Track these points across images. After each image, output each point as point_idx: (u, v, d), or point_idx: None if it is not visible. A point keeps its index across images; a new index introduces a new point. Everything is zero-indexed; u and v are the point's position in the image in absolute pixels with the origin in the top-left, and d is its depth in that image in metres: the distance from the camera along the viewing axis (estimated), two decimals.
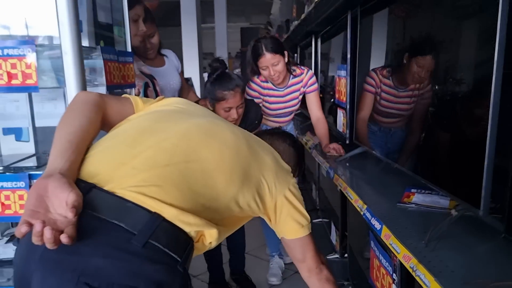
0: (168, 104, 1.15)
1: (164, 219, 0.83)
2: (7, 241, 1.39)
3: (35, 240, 0.72)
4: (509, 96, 0.98)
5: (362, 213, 1.42)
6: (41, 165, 1.27)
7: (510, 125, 1.00)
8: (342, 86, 2.40)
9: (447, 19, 1.33)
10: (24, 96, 1.34)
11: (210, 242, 0.96)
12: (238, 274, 2.59)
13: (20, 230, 0.73)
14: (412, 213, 1.33)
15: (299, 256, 1.25)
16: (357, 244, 2.19)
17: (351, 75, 2.25)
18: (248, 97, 2.37)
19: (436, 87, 1.41)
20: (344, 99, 2.34)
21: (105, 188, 0.84)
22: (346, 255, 2.50)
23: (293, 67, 2.43)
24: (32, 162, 1.34)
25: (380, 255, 1.55)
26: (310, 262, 1.25)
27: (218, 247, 2.48)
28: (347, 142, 2.30)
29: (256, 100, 2.39)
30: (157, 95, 1.90)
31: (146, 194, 0.84)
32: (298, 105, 2.57)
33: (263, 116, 2.45)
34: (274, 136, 1.42)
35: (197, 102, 2.23)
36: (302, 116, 4.06)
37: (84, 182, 0.84)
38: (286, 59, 2.32)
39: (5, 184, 1.16)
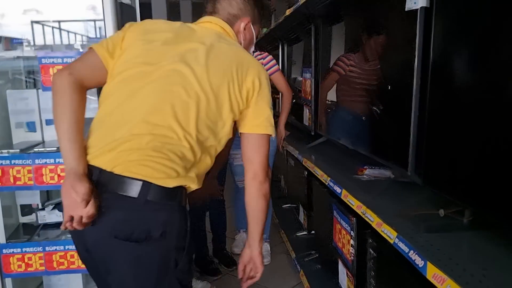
0: (134, 56, 1.20)
1: (152, 184, 1.10)
2: (52, 209, 1.72)
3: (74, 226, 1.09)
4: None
5: (326, 183, 1.83)
6: None
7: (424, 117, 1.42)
8: (307, 86, 2.82)
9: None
10: None
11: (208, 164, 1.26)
12: (220, 251, 2.96)
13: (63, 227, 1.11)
14: (364, 182, 1.76)
15: (250, 154, 1.29)
16: (321, 222, 2.61)
17: (314, 77, 2.67)
18: None
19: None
20: (309, 97, 2.76)
21: (108, 170, 1.10)
22: (312, 231, 2.93)
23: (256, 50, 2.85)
24: None
25: (341, 219, 1.96)
26: (257, 167, 1.28)
27: (203, 228, 2.83)
28: (312, 133, 2.73)
29: None
30: None
31: (135, 171, 1.09)
32: None
33: None
34: None
35: None
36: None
37: (93, 167, 1.11)
38: None
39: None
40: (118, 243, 1.08)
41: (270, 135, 1.29)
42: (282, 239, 3.19)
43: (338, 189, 1.67)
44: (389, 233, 1.20)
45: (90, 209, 1.07)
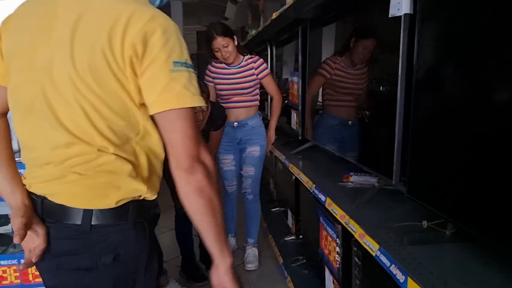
0: (10, 79, 1.02)
1: (93, 209, 0.98)
2: None
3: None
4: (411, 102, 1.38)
5: (311, 190, 1.80)
6: None
7: (409, 125, 1.40)
8: (295, 90, 2.79)
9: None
10: None
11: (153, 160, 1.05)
12: (207, 257, 2.92)
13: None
14: (349, 189, 1.74)
15: (165, 135, 0.97)
16: (308, 227, 2.59)
17: (302, 80, 2.64)
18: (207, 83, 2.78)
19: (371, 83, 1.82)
20: (297, 101, 2.74)
21: (50, 199, 1.01)
22: (300, 236, 2.91)
23: (246, 53, 2.81)
24: None
25: (327, 226, 1.94)
26: (178, 150, 0.95)
27: (190, 234, 2.79)
28: (300, 138, 2.70)
29: (208, 84, 2.79)
30: None
31: (72, 202, 0.99)
32: (252, 88, 2.78)
33: (223, 104, 2.81)
34: None
35: None
36: None
37: (36, 196, 1.03)
38: (236, 43, 2.69)
39: None
40: (66, 273, 1.02)
41: (182, 108, 0.92)
42: (270, 244, 3.16)
43: (322, 197, 1.64)
44: (371, 245, 1.17)
45: (38, 242, 1.02)
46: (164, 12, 0.99)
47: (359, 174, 1.90)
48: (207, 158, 1.02)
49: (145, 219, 1.07)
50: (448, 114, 1.14)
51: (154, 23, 0.91)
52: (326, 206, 1.59)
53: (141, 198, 1.04)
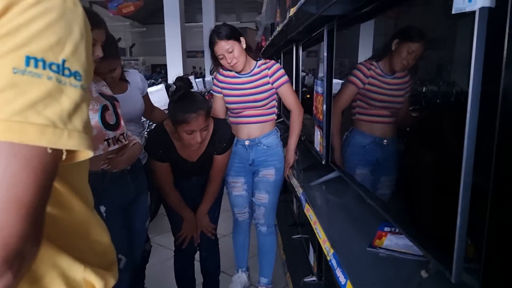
0: None
1: None
2: None
3: None
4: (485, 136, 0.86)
5: (328, 258, 1.29)
6: None
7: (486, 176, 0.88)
8: (319, 102, 2.27)
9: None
10: None
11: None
12: None
13: None
14: (382, 261, 1.21)
15: None
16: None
17: (327, 91, 2.12)
18: (214, 93, 2.37)
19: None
20: (321, 117, 2.22)
21: None
22: (323, 278, 2.40)
23: (260, 57, 2.33)
24: None
25: None
26: None
27: (192, 270, 2.35)
28: (323, 162, 2.18)
29: (216, 95, 2.37)
30: (117, 119, 1.72)
31: None
32: (267, 100, 2.31)
33: (233, 119, 2.38)
34: None
35: (162, 120, 2.09)
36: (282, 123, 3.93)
37: None
38: (244, 45, 2.21)
39: None
40: None
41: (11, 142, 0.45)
42: (288, 284, 2.66)
43: (342, 279, 1.13)
44: None
45: None
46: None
47: (396, 231, 1.37)
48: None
49: None
50: None
51: None
52: None
53: None
